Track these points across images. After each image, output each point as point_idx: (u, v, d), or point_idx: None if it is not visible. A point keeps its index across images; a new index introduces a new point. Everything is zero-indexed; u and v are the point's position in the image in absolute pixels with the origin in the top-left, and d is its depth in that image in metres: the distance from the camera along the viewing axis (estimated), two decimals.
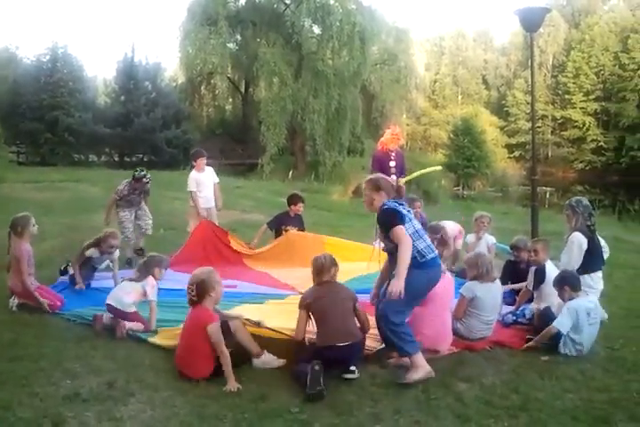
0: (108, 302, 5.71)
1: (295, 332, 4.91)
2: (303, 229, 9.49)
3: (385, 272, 5.05)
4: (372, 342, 5.13)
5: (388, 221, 4.68)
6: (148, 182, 8.84)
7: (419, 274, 4.62)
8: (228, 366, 4.51)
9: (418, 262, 4.63)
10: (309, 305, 4.87)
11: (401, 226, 4.60)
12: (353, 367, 4.67)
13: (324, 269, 5.00)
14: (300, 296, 5.14)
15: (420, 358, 4.60)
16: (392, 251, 4.72)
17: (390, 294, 4.39)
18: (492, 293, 5.62)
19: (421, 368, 4.56)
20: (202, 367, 4.59)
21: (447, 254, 8.43)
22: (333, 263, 5.06)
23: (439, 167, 11.69)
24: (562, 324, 5.31)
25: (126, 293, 5.74)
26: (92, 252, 7.03)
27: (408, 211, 4.87)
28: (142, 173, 8.75)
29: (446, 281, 5.22)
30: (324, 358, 4.58)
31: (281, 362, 4.87)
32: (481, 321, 5.54)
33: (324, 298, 4.86)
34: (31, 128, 27.93)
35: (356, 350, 4.79)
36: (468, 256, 6.12)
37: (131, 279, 5.90)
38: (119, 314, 5.62)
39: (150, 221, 9.05)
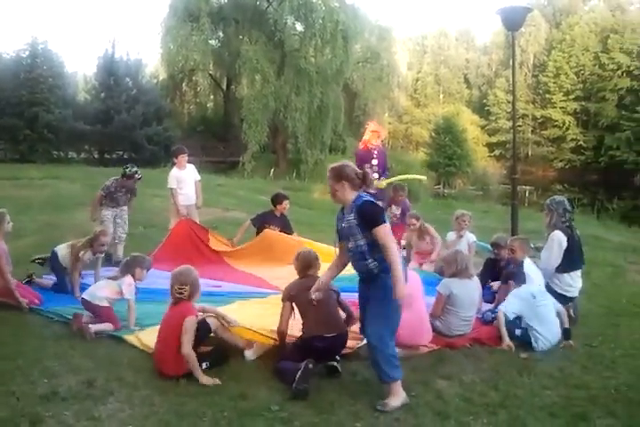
0: (82, 296, 5.73)
1: (279, 323, 4.92)
2: (290, 230, 9.42)
3: (335, 269, 4.67)
4: (351, 341, 5.12)
5: (375, 217, 4.23)
6: (139, 179, 8.64)
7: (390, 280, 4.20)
8: (194, 362, 4.49)
9: (387, 268, 4.19)
10: (294, 297, 4.88)
11: (387, 224, 4.23)
12: (337, 358, 4.74)
13: (311, 262, 5.05)
14: (284, 288, 5.14)
15: (398, 386, 4.28)
16: (359, 250, 4.29)
17: (400, 300, 4.17)
18: (468, 289, 5.66)
19: (400, 395, 4.25)
20: (182, 364, 4.56)
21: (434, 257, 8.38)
22: (318, 258, 5.10)
23: (424, 178, 11.65)
24: (506, 306, 5.63)
25: (100, 288, 5.74)
26: (88, 255, 6.88)
27: None
28: (133, 169, 8.53)
29: (411, 276, 5.23)
30: (310, 348, 4.61)
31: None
32: (459, 318, 5.57)
33: (309, 290, 4.83)
34: (10, 124, 27.55)
35: (341, 342, 4.83)
36: (446, 253, 6.13)
37: (109, 277, 5.86)
38: (91, 308, 5.59)
39: (125, 234, 8.75)
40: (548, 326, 5.51)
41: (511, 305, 5.64)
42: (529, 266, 6.18)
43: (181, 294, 4.69)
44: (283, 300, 4.96)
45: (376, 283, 4.29)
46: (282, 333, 4.92)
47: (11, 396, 4.12)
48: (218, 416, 3.95)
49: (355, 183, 4.39)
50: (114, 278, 5.81)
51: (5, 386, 4.27)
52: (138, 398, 4.18)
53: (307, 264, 5.05)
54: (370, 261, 4.25)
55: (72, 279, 6.75)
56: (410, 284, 4.79)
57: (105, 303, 5.62)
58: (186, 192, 9.41)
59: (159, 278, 6.74)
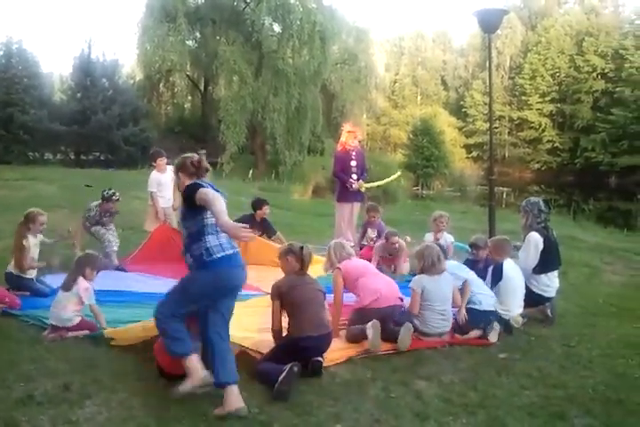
0: (50, 321, 5.45)
1: (272, 322, 4.89)
2: (272, 232, 9.46)
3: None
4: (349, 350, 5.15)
5: (191, 191, 4.07)
6: (117, 200, 8.47)
7: (202, 275, 4.14)
8: None
9: (203, 262, 4.11)
10: (283, 295, 4.84)
11: (205, 188, 4.03)
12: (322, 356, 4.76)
13: (309, 258, 5.02)
14: (272, 286, 5.00)
15: (193, 362, 4.10)
16: (197, 230, 4.17)
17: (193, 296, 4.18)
18: (440, 285, 5.67)
19: (195, 375, 4.06)
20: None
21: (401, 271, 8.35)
22: (311, 255, 5.11)
23: (398, 173, 11.61)
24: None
25: (62, 307, 5.43)
26: (32, 240, 6.83)
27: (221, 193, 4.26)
28: (111, 191, 8.43)
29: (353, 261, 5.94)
30: (296, 348, 4.61)
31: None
32: (434, 311, 5.57)
33: (298, 287, 4.85)
34: None
35: (327, 342, 4.84)
36: (417, 249, 6.14)
37: (62, 287, 5.57)
38: (64, 329, 5.39)
39: (117, 246, 8.52)
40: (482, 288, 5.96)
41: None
42: (510, 267, 6.20)
43: None
44: (272, 298, 4.91)
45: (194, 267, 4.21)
46: (277, 332, 4.88)
47: None
48: (197, 419, 3.92)
49: (190, 172, 4.33)
50: (66, 287, 5.51)
51: None
52: (116, 402, 4.13)
53: (307, 259, 5.00)
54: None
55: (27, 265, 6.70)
56: (354, 263, 5.72)
57: (76, 320, 5.44)
58: (165, 195, 9.37)
59: (136, 282, 6.70)
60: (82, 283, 5.50)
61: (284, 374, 4.29)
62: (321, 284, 5.13)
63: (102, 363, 4.79)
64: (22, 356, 4.87)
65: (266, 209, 9.43)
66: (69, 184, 18.32)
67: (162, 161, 9.45)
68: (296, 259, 4.95)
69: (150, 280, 7.33)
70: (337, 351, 5.09)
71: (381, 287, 5.63)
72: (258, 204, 9.44)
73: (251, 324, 5.61)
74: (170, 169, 9.47)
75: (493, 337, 5.58)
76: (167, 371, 4.49)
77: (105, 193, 8.42)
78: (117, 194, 8.49)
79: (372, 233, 9.19)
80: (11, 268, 6.78)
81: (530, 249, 6.41)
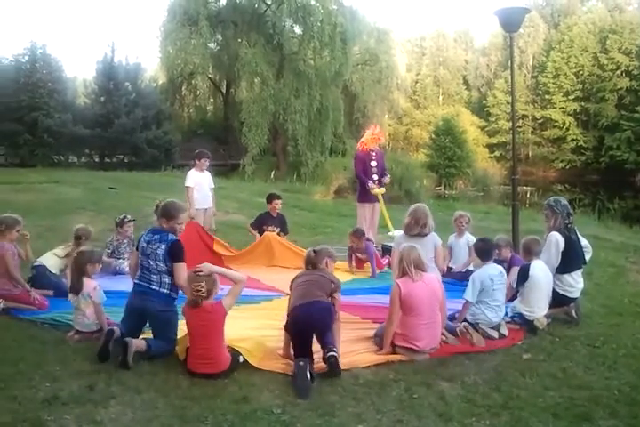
0: (76, 327, 5.47)
1: (282, 350, 5.08)
2: (286, 230, 9.59)
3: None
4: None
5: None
6: (131, 221, 8.40)
7: None
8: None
9: None
10: (291, 283, 5.23)
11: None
12: (334, 349, 4.71)
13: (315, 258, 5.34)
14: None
15: None
16: None
17: None
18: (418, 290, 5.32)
19: None
20: (223, 360, 4.65)
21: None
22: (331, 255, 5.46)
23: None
24: (467, 293, 5.73)
25: (82, 314, 5.44)
26: None
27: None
28: (122, 216, 8.45)
29: (432, 283, 5.24)
30: (293, 322, 4.82)
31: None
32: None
33: (305, 275, 5.18)
34: (10, 129, 27.62)
35: (319, 308, 4.84)
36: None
37: (70, 291, 5.56)
38: (89, 334, 5.42)
39: None
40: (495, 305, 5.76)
41: (472, 290, 5.71)
42: (538, 268, 6.13)
43: (198, 291, 4.67)
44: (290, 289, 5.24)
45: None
46: (286, 357, 5.01)
47: (12, 400, 4.12)
48: (220, 419, 3.94)
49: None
50: (74, 290, 5.49)
51: (7, 391, 4.26)
52: (140, 402, 4.17)
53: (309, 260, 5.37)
54: None
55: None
56: (426, 289, 5.10)
57: (104, 321, 5.45)
58: (201, 195, 9.42)
59: None
60: (88, 283, 5.51)
61: (293, 372, 4.47)
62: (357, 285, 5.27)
63: None
64: (48, 357, 4.92)
65: (275, 203, 9.59)
66: (94, 186, 18.54)
67: (205, 162, 9.57)
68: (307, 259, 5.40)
69: None
70: (368, 354, 5.14)
71: (422, 338, 5.11)
72: (269, 198, 9.76)
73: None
74: (208, 173, 9.60)
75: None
76: (191, 370, 4.62)
77: (117, 219, 8.45)
78: (129, 216, 8.52)
79: (361, 256, 8.83)
80: (50, 262, 6.91)
81: (551, 249, 6.36)
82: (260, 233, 9.34)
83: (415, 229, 5.73)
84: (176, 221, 5.31)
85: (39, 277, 6.87)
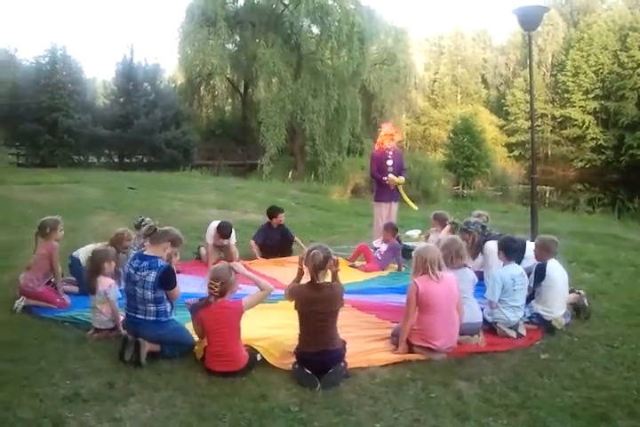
0: (95, 325, 5.53)
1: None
2: (290, 238, 9.53)
3: None
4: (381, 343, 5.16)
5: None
6: (148, 224, 8.43)
7: None
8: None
9: None
10: (296, 301, 4.77)
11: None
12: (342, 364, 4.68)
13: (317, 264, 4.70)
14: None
15: None
16: None
17: None
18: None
19: None
20: (241, 357, 4.68)
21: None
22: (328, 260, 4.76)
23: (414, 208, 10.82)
24: (489, 294, 5.74)
25: (99, 312, 5.51)
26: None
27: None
28: (139, 218, 8.31)
29: (449, 282, 5.20)
30: (302, 360, 4.69)
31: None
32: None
33: (307, 298, 4.71)
34: (31, 130, 27.89)
35: (329, 358, 4.64)
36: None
37: (87, 291, 5.66)
38: (108, 332, 5.50)
39: None
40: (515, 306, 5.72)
41: (493, 290, 5.69)
42: (554, 267, 6.10)
43: (212, 289, 4.71)
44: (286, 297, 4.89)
45: None
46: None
47: (34, 398, 4.18)
48: (238, 417, 3.97)
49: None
50: (91, 290, 5.57)
51: (29, 388, 4.33)
52: (159, 400, 4.21)
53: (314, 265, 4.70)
54: None
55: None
56: (444, 288, 5.05)
57: (118, 318, 5.52)
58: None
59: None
60: (103, 281, 5.59)
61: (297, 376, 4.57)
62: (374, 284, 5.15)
63: (146, 362, 4.88)
64: (68, 354, 4.99)
65: (280, 217, 9.46)
66: (113, 186, 18.69)
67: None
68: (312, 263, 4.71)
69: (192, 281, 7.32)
70: (385, 353, 5.14)
71: (440, 337, 5.10)
72: (273, 212, 9.51)
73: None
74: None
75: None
76: (209, 368, 4.65)
77: (135, 222, 8.33)
78: (147, 219, 8.48)
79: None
80: (85, 257, 6.91)
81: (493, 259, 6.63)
82: (263, 247, 9.23)
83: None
84: (174, 250, 5.23)
85: (74, 267, 6.99)
